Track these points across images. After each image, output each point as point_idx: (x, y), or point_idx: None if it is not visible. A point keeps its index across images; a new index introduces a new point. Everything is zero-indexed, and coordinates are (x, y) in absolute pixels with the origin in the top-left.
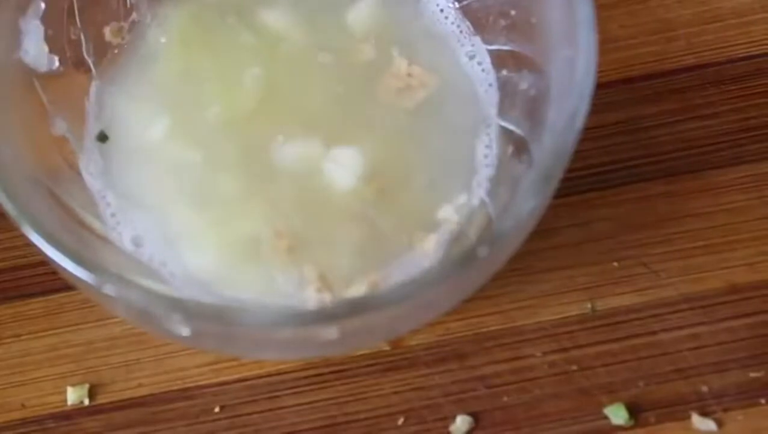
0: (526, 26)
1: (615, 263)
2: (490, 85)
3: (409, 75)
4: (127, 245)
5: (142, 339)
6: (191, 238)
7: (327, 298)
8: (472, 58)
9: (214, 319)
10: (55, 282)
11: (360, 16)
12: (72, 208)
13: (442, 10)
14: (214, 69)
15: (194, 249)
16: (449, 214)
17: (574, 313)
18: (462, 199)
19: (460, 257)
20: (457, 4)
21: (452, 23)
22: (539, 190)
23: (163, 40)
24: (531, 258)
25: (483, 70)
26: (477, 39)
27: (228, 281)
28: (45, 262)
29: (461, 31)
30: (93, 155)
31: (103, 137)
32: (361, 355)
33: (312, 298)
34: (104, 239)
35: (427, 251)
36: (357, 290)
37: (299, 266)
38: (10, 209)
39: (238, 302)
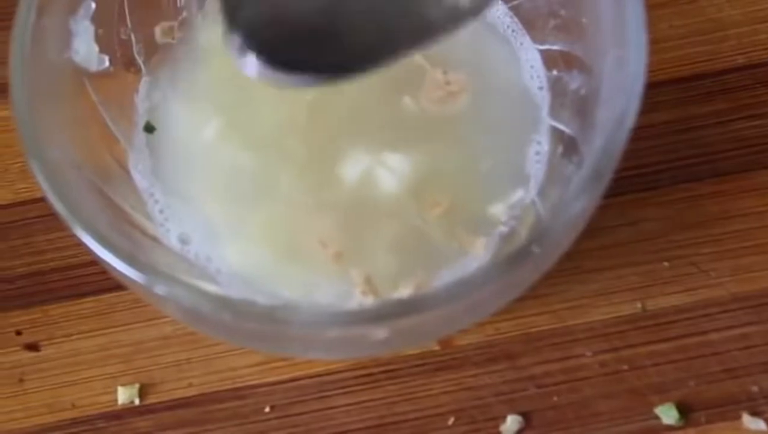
0: (575, 26)
1: (665, 263)
2: (541, 86)
3: (448, 83)
4: (175, 243)
5: (192, 338)
6: (238, 237)
7: (371, 301)
8: (522, 58)
9: (264, 318)
10: (106, 282)
11: None
12: (122, 207)
13: (494, 10)
14: None
15: (241, 248)
16: (500, 213)
17: (624, 313)
18: (514, 198)
19: (510, 257)
20: (507, 5)
21: (503, 23)
22: (589, 189)
23: (213, 39)
24: (581, 258)
25: (533, 70)
26: (527, 39)
27: (274, 281)
28: (96, 262)
29: (512, 31)
30: (142, 153)
31: (150, 128)
32: (410, 355)
33: (357, 300)
34: (153, 239)
35: (477, 252)
36: (403, 292)
37: (346, 268)
38: (60, 209)
39: (284, 301)
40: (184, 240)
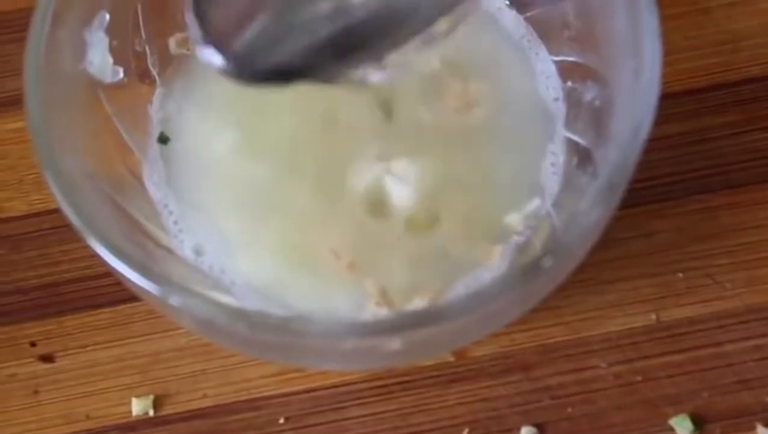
0: (589, 37)
1: (680, 274)
2: (557, 97)
3: (465, 93)
4: (189, 254)
5: (208, 349)
6: (251, 248)
7: (385, 312)
8: (537, 69)
9: (279, 330)
10: (122, 293)
11: None
12: (136, 218)
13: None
14: None
15: (254, 259)
16: (516, 223)
17: (638, 324)
18: (529, 208)
19: (525, 268)
20: (522, 15)
21: (518, 34)
22: (604, 200)
23: None
24: (595, 269)
25: (549, 81)
26: (543, 50)
27: (287, 293)
28: (111, 273)
29: (528, 42)
30: (156, 164)
31: (164, 139)
32: (425, 366)
33: (371, 311)
34: (167, 250)
35: (492, 263)
36: (417, 304)
37: (360, 279)
38: (74, 220)
39: (299, 312)
40: (198, 251)
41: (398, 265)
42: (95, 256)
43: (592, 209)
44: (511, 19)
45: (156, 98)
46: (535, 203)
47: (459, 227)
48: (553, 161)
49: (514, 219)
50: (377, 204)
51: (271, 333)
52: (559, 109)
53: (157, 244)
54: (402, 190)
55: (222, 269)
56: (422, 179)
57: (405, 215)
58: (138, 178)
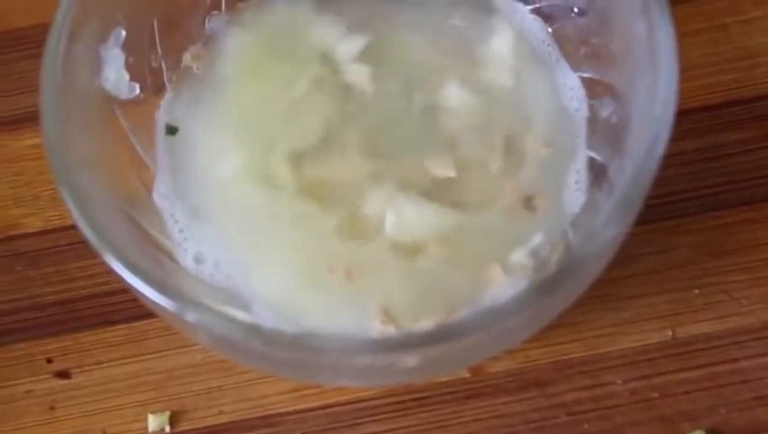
0: (606, 54)
1: (696, 291)
2: (578, 108)
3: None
4: (203, 268)
5: (224, 366)
6: (259, 264)
7: (391, 330)
8: (561, 84)
9: (294, 346)
10: (137, 309)
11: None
12: (151, 233)
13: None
14: (282, 102)
15: (262, 275)
16: (522, 258)
17: (654, 340)
18: (534, 243)
19: (541, 285)
20: (548, 28)
21: (546, 51)
22: (620, 217)
23: (231, 68)
24: (611, 286)
25: (573, 92)
26: (565, 65)
27: (295, 307)
28: (127, 289)
29: (550, 54)
30: (164, 174)
31: (172, 130)
32: (441, 382)
33: (376, 330)
34: (180, 265)
35: (499, 281)
36: (425, 324)
37: (363, 298)
38: (90, 236)
39: (313, 329)
40: (200, 260)
41: (405, 288)
42: (111, 272)
43: (609, 226)
44: (540, 34)
45: (164, 103)
46: (537, 238)
47: (478, 242)
48: (577, 179)
49: (519, 256)
50: (384, 227)
51: (286, 349)
52: (582, 124)
53: (172, 259)
54: (410, 215)
55: (235, 285)
56: (429, 206)
57: (415, 238)
58: (151, 192)
